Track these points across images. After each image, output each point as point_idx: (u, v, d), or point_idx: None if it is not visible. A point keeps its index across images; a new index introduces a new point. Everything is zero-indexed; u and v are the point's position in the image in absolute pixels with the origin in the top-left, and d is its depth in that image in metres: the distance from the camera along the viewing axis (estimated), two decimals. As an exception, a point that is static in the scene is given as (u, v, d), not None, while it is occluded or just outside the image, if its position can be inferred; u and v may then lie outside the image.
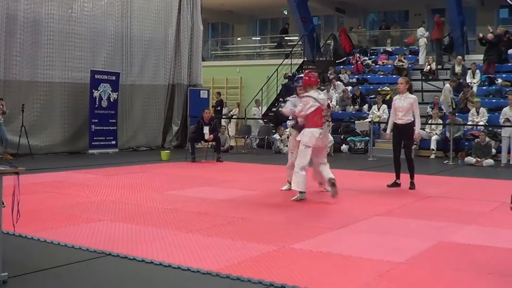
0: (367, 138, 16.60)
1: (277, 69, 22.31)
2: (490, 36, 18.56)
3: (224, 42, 31.33)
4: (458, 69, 18.54)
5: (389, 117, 10.38)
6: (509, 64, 19.08)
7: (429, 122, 16.40)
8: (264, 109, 21.83)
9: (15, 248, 5.26)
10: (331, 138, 16.57)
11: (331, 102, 19.02)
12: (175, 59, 18.11)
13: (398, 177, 9.67)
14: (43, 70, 14.48)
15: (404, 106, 9.37)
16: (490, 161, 14.06)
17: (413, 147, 10.54)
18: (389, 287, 4.36)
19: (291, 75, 21.20)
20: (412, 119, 9.41)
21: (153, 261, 4.86)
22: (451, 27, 20.82)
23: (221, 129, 16.57)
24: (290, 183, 8.97)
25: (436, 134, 16.07)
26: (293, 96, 9.03)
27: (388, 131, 9.84)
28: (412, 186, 9.51)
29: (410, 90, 9.66)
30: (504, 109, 14.71)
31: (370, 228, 6.50)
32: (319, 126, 8.13)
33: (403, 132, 9.52)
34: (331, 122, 8.23)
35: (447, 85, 17.30)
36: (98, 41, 15.78)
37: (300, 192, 8.13)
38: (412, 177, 9.56)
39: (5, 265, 4.37)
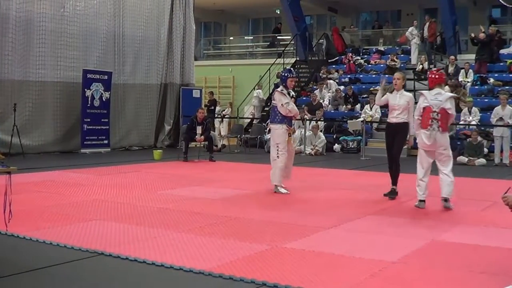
0: (359, 137, 16.64)
1: (269, 69, 22.30)
2: (482, 35, 18.63)
3: (217, 41, 31.30)
4: (451, 69, 18.60)
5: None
6: (501, 64, 19.17)
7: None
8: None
9: (7, 247, 5.24)
10: (322, 137, 16.71)
11: (323, 101, 19.09)
12: (167, 59, 18.05)
13: (395, 183, 8.67)
14: (35, 69, 14.41)
15: (401, 104, 8.49)
16: (482, 161, 14.13)
17: (404, 147, 10.27)
18: (382, 287, 4.38)
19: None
20: (408, 119, 8.49)
21: (146, 261, 4.85)
22: (443, 27, 20.88)
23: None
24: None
25: (428, 133, 16.08)
26: (280, 89, 8.87)
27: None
28: (391, 194, 8.57)
29: (404, 86, 8.82)
30: (496, 108, 14.75)
31: (362, 227, 6.52)
32: (425, 127, 7.73)
33: (396, 132, 8.59)
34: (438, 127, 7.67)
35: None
36: (90, 40, 15.72)
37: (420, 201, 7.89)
38: (394, 183, 8.64)
39: (-4, 265, 4.36)
